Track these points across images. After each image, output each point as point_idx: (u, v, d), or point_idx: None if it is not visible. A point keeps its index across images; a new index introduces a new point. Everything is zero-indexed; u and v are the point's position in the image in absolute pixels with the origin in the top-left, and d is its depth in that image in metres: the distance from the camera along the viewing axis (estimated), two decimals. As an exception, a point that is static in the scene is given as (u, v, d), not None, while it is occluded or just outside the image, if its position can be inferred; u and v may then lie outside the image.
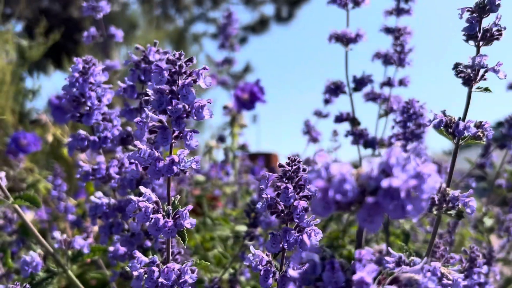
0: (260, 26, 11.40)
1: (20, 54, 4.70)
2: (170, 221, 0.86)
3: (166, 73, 0.75)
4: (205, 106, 0.79)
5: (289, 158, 0.90)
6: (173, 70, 0.77)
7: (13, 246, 1.99)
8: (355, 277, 0.60)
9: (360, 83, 1.82)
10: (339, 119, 1.95)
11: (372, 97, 2.03)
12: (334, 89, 1.83)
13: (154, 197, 0.89)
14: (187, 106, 0.77)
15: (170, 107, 0.76)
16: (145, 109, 0.81)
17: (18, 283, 1.08)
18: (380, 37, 1.99)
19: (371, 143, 1.91)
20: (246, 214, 1.57)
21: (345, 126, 2.05)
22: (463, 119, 1.06)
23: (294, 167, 0.88)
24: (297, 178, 0.88)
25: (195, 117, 0.78)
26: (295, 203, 0.86)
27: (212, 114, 0.80)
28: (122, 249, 1.34)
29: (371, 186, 0.54)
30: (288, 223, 0.91)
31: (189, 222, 0.87)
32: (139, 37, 7.01)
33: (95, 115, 1.20)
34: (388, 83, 1.92)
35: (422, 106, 1.53)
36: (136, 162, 0.81)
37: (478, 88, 1.04)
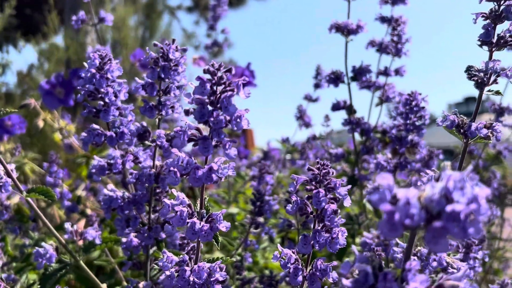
0: (236, 0, 11.22)
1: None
2: (206, 225, 0.89)
3: (208, 85, 0.77)
4: (244, 115, 0.81)
5: (318, 162, 0.93)
6: (213, 81, 0.79)
7: (10, 233, 1.98)
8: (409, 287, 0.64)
9: (359, 73, 1.86)
10: (336, 107, 1.99)
11: (366, 85, 2.07)
12: (334, 79, 1.87)
13: (187, 200, 0.92)
14: (227, 117, 0.79)
15: (212, 119, 0.78)
16: (185, 117, 0.82)
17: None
18: (371, 25, 2.03)
19: (367, 131, 1.96)
20: (252, 203, 1.61)
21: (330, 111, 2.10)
22: (473, 120, 1.11)
23: (323, 171, 0.92)
24: (327, 182, 0.92)
25: (235, 128, 0.80)
26: (325, 206, 0.90)
27: (249, 123, 0.82)
28: (136, 241, 1.36)
29: (435, 209, 0.57)
30: (316, 224, 0.95)
31: (224, 225, 0.90)
32: (109, 11, 6.79)
33: (112, 111, 1.21)
34: (385, 72, 1.97)
35: (424, 98, 1.58)
36: (176, 170, 0.83)
37: (489, 91, 1.09)
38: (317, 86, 2.52)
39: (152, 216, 1.33)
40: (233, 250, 1.72)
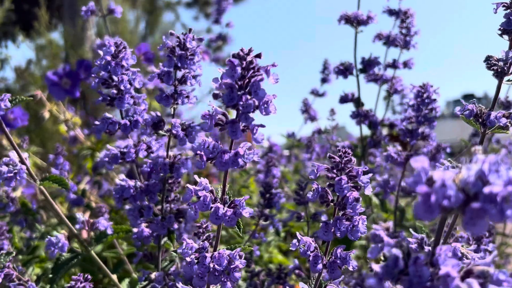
0: None
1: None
2: (230, 210, 0.88)
3: (239, 69, 0.76)
4: (272, 101, 0.80)
5: (339, 150, 0.93)
6: (243, 65, 0.78)
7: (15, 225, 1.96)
8: (442, 271, 0.63)
9: (369, 64, 1.86)
10: (344, 99, 1.99)
11: (373, 78, 2.07)
12: (343, 70, 1.87)
13: (210, 186, 0.91)
14: (256, 102, 0.78)
15: (241, 103, 0.78)
16: (211, 102, 0.82)
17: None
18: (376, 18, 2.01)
19: (375, 124, 1.96)
20: (261, 195, 1.61)
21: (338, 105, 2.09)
22: (492, 109, 1.11)
23: (345, 159, 0.92)
24: (348, 169, 0.92)
25: (263, 113, 0.80)
26: (347, 194, 0.90)
27: (276, 109, 0.81)
28: (147, 231, 1.36)
29: (472, 191, 0.56)
30: (337, 212, 0.95)
31: (247, 211, 0.90)
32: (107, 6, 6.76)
33: (127, 99, 1.20)
34: (393, 65, 1.97)
35: (436, 90, 1.58)
36: (202, 153, 0.83)
37: (509, 80, 1.09)
38: (324, 80, 2.52)
39: (165, 206, 1.33)
40: (242, 242, 1.71)
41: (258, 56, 0.79)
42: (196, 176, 0.94)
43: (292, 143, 2.93)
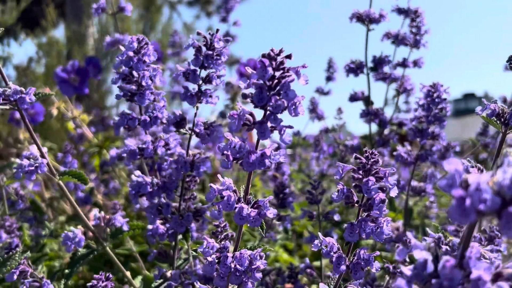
0: None
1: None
2: (254, 211, 0.88)
3: (270, 69, 0.76)
4: (301, 102, 0.80)
5: (366, 151, 0.93)
6: (273, 66, 0.78)
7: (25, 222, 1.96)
8: (473, 275, 0.63)
9: (380, 63, 1.86)
10: (353, 98, 1.99)
11: (382, 77, 2.07)
12: (355, 69, 1.87)
13: (233, 186, 0.91)
14: (286, 103, 0.78)
15: (271, 103, 0.78)
16: (239, 104, 0.81)
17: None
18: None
19: (384, 123, 1.97)
20: (275, 195, 1.61)
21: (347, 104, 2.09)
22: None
23: (372, 160, 0.92)
24: (375, 171, 0.92)
25: (292, 114, 0.80)
26: (374, 195, 0.90)
27: (304, 111, 0.81)
28: (162, 228, 1.36)
29: (508, 195, 0.56)
30: (361, 213, 0.95)
31: (271, 212, 0.90)
32: (110, 4, 6.72)
33: (147, 95, 1.20)
34: (403, 63, 1.97)
35: (446, 90, 1.58)
36: (229, 153, 0.83)
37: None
38: (329, 79, 2.53)
39: (182, 204, 1.32)
40: (254, 241, 1.71)
41: (289, 57, 0.79)
42: (219, 176, 0.94)
43: (296, 142, 2.93)
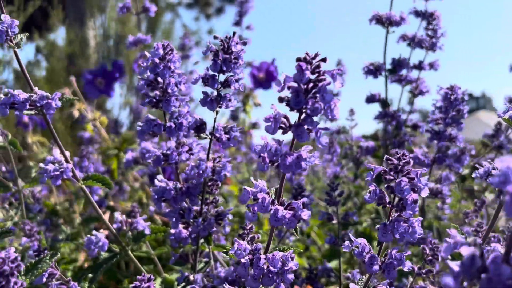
0: None
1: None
2: (289, 213, 0.89)
3: (307, 73, 0.77)
4: (337, 104, 0.81)
5: (396, 152, 0.94)
6: (310, 69, 0.79)
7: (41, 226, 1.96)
8: None
9: (399, 65, 1.87)
10: (370, 99, 2.00)
11: (397, 79, 2.08)
12: (374, 71, 1.88)
13: (266, 188, 0.92)
14: (322, 105, 0.79)
15: (308, 106, 0.79)
16: (274, 106, 0.82)
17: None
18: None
19: (401, 125, 1.98)
20: (293, 197, 1.61)
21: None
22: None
23: (403, 161, 0.93)
24: (406, 172, 0.93)
25: (329, 116, 0.80)
26: (407, 196, 0.91)
27: (339, 114, 0.82)
28: (184, 232, 1.36)
29: None
30: (393, 214, 0.95)
31: (306, 214, 0.91)
32: (112, 6, 6.71)
33: (173, 101, 1.21)
34: (419, 66, 1.98)
35: (464, 92, 1.59)
36: (265, 156, 0.83)
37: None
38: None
39: (204, 207, 1.33)
40: (274, 243, 1.72)
41: (324, 60, 0.80)
42: (252, 178, 0.95)
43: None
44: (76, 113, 2.16)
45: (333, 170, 2.35)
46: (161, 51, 1.17)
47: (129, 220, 1.40)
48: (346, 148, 2.53)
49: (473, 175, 1.16)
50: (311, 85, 0.79)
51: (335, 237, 1.69)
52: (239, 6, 2.69)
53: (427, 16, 1.93)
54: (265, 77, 2.63)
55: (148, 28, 6.93)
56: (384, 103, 1.97)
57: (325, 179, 2.81)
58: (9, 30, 1.07)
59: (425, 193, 0.93)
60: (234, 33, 1.17)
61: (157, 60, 1.16)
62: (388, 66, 1.92)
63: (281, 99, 0.81)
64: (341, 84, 0.80)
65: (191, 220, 1.30)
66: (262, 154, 0.83)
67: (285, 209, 0.92)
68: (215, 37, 1.17)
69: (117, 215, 1.41)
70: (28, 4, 4.94)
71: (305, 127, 0.81)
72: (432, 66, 1.99)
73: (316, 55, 0.79)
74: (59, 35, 6.33)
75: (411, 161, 0.93)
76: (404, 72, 1.99)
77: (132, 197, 2.34)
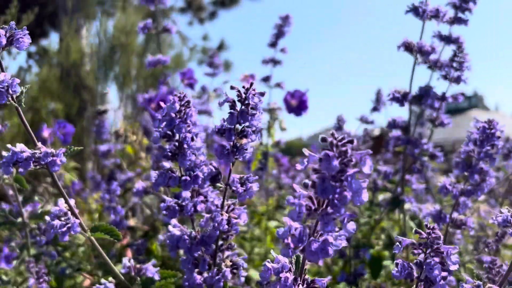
0: (229, 1, 10.97)
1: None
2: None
3: (335, 162, 0.72)
4: (365, 188, 0.76)
5: (426, 226, 0.89)
6: (337, 155, 0.73)
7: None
8: None
9: (426, 94, 1.82)
10: (392, 125, 1.95)
11: (419, 104, 2.01)
12: (400, 98, 1.84)
13: (288, 264, 0.88)
14: (350, 194, 0.74)
15: (337, 196, 0.73)
16: (295, 186, 0.77)
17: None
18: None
19: (422, 152, 1.94)
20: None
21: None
22: None
23: (433, 235, 0.88)
24: (436, 247, 0.88)
25: (357, 203, 0.75)
26: (437, 273, 0.86)
27: (367, 197, 0.77)
28: (199, 278, 1.32)
29: None
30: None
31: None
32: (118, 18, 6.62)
33: (189, 155, 1.17)
34: (442, 97, 1.91)
35: (502, 128, 1.52)
36: (290, 242, 0.79)
37: None
38: (375, 109, 2.61)
39: (219, 255, 1.29)
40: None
41: (351, 141, 0.74)
42: (272, 251, 0.91)
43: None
44: (122, 131, 2.20)
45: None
46: (177, 106, 1.12)
47: (137, 266, 1.37)
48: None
49: (490, 221, 1.10)
50: (338, 173, 0.74)
51: (346, 275, 1.66)
52: (276, 29, 2.66)
53: (451, 41, 1.87)
54: (297, 105, 2.64)
55: (147, 36, 6.86)
56: (407, 130, 1.92)
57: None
58: (10, 89, 1.03)
59: (454, 267, 0.89)
60: (251, 84, 1.12)
61: (173, 115, 1.12)
62: (415, 93, 1.88)
63: (305, 185, 0.76)
64: (370, 169, 0.75)
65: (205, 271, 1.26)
66: (286, 240, 0.79)
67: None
68: (232, 88, 1.12)
69: (125, 260, 1.37)
70: (22, 17, 4.91)
71: (332, 216, 0.76)
72: (455, 98, 1.92)
73: (343, 138, 0.74)
74: (53, 41, 6.28)
75: (441, 236, 0.88)
76: (429, 101, 1.93)
77: (148, 220, 2.32)
